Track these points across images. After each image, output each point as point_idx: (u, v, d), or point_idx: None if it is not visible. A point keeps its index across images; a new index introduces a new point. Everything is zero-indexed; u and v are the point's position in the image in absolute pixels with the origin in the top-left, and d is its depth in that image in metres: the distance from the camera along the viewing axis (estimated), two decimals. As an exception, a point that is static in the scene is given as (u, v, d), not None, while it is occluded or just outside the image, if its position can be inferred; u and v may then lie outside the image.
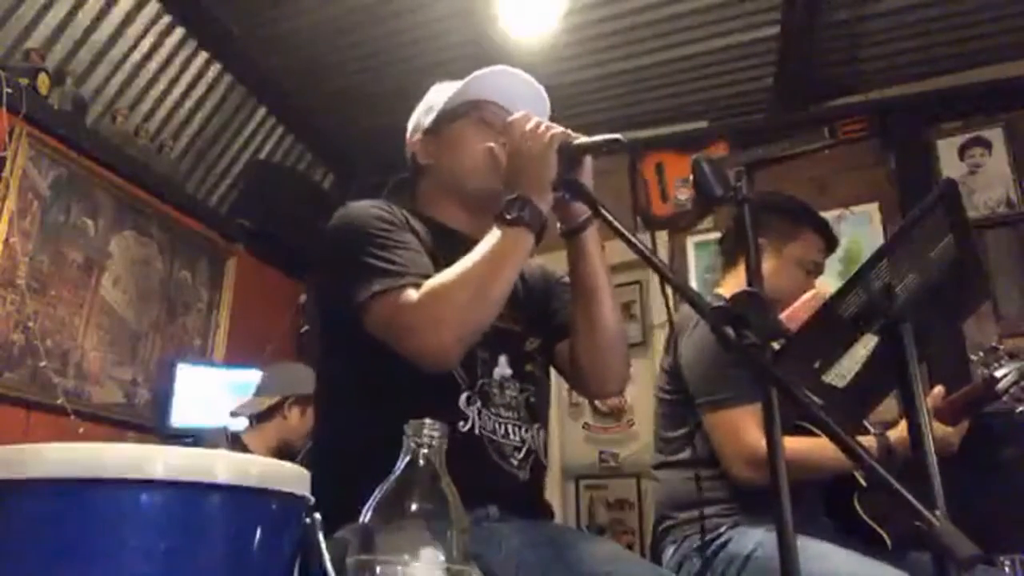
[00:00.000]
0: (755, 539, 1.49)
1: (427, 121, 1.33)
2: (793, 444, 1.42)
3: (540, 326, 1.31)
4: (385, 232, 1.15)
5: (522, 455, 1.19)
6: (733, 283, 1.83)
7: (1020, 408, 1.52)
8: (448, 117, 1.30)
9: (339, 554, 0.65)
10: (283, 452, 2.49)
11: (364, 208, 1.20)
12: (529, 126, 1.15)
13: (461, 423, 1.12)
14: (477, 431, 1.14)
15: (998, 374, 1.49)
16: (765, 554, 1.44)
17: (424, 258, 1.15)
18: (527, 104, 1.27)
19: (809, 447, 1.44)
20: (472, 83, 1.28)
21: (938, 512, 0.63)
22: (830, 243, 1.86)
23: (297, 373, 2.63)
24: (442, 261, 1.13)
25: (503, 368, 1.21)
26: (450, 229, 1.28)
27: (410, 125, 1.38)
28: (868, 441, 1.55)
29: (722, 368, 1.59)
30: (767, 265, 1.76)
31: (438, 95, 1.33)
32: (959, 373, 2.47)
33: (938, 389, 1.63)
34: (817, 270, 1.84)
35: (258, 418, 2.55)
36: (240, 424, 2.57)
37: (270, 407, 2.55)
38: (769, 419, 0.86)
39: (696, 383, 1.64)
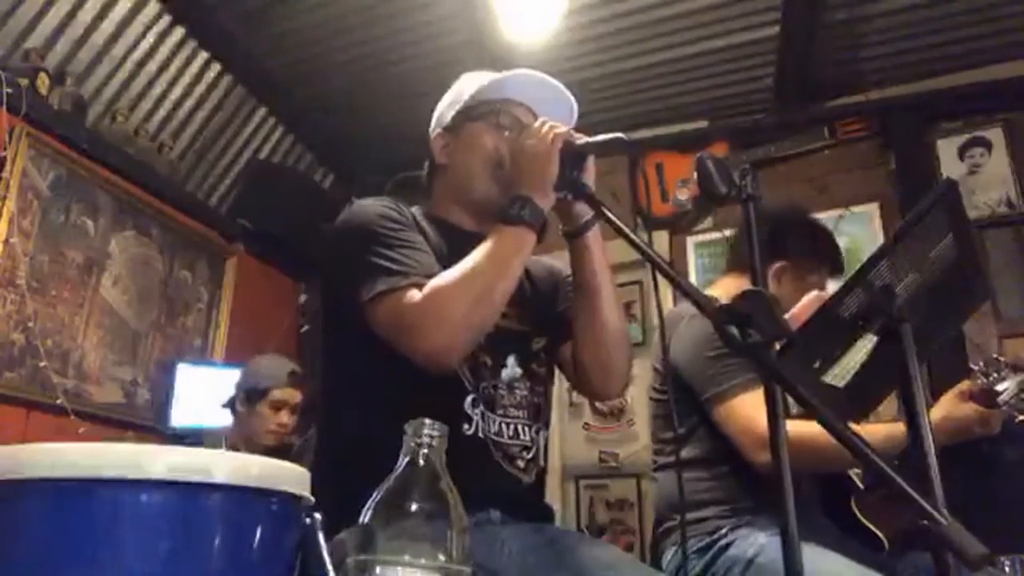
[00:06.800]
0: (757, 543, 1.48)
1: (448, 116, 1.31)
2: (812, 429, 1.40)
3: (546, 325, 1.31)
4: (391, 231, 1.15)
5: (530, 456, 1.19)
6: (732, 286, 1.82)
7: (1020, 418, 1.51)
8: (467, 116, 1.29)
9: (339, 555, 0.65)
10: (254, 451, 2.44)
11: (372, 206, 1.20)
12: (534, 126, 1.15)
13: (465, 426, 1.12)
14: (481, 434, 1.14)
15: (999, 388, 1.49)
16: (767, 559, 1.44)
17: (430, 258, 1.15)
18: (553, 109, 1.26)
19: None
20: (500, 83, 1.26)
21: (945, 511, 0.63)
22: (839, 270, 1.87)
23: (245, 368, 2.61)
24: (449, 261, 1.13)
25: (512, 369, 1.21)
26: (459, 229, 1.27)
27: (434, 115, 1.36)
28: (901, 428, 1.52)
29: (718, 360, 1.59)
30: (788, 291, 1.76)
31: (464, 86, 1.31)
32: (959, 373, 2.46)
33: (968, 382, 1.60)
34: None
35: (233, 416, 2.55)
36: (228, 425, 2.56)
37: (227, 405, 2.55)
38: (773, 416, 0.85)
39: (696, 379, 1.63)
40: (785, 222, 1.82)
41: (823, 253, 1.84)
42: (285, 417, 2.44)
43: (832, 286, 1.88)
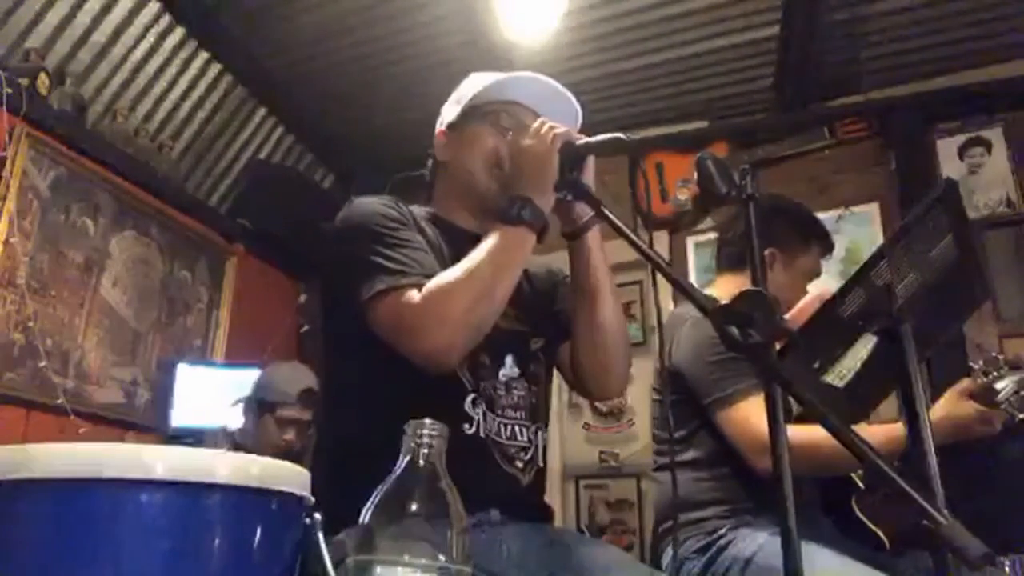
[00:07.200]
0: (756, 543, 1.48)
1: (452, 115, 1.32)
2: (813, 434, 1.40)
3: (545, 326, 1.31)
4: (391, 230, 1.15)
5: (528, 457, 1.19)
6: (731, 285, 1.82)
7: (1020, 416, 1.51)
8: (470, 115, 1.29)
9: (339, 555, 0.65)
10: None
11: (371, 204, 1.20)
12: (533, 126, 1.15)
13: (466, 425, 1.12)
14: (482, 433, 1.14)
15: (997, 386, 1.49)
16: (766, 558, 1.44)
17: (430, 257, 1.15)
18: (557, 112, 1.25)
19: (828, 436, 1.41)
20: (503, 84, 1.26)
21: (945, 511, 0.63)
22: (829, 250, 1.89)
23: (263, 373, 2.60)
24: (449, 261, 1.13)
25: (510, 368, 1.21)
26: (460, 229, 1.27)
27: (441, 113, 1.36)
28: (901, 429, 1.52)
29: (721, 364, 1.59)
30: (780, 277, 1.77)
31: (469, 87, 1.31)
32: (959, 373, 2.46)
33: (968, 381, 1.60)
34: (817, 277, 1.86)
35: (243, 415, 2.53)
36: (237, 424, 2.55)
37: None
38: (773, 417, 0.85)
39: (699, 384, 1.63)
40: (765, 211, 1.82)
41: (807, 233, 1.85)
42: (290, 435, 2.40)
43: (836, 271, 1.89)
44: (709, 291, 1.86)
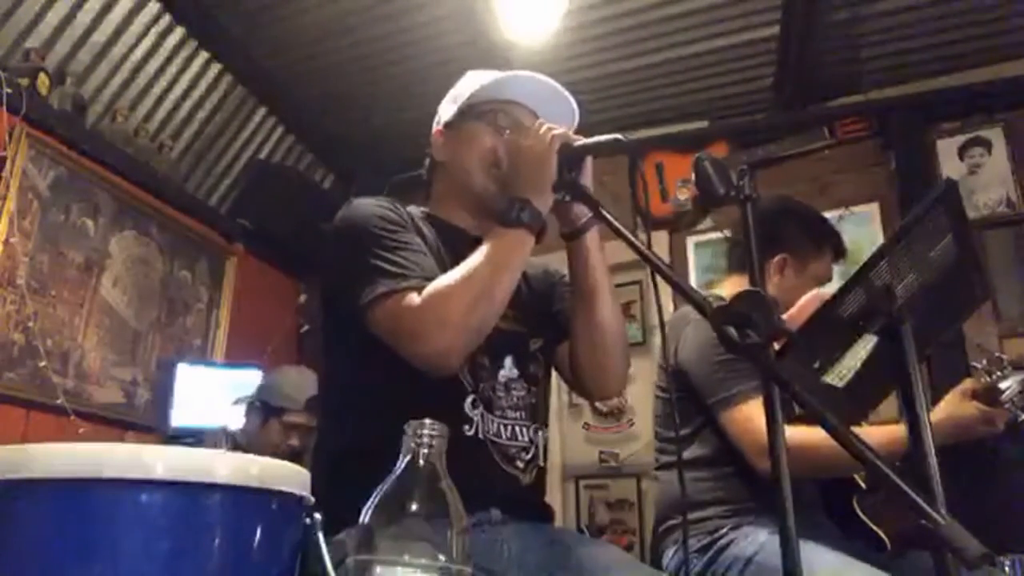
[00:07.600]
0: (758, 542, 1.48)
1: (449, 114, 1.31)
2: (813, 434, 1.39)
3: (543, 326, 1.31)
4: (389, 232, 1.15)
5: (529, 457, 1.19)
6: (739, 287, 1.81)
7: (1022, 417, 1.51)
8: (467, 114, 1.28)
9: (339, 555, 0.65)
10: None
11: (369, 206, 1.19)
12: (532, 127, 1.16)
13: (466, 427, 1.12)
14: (481, 435, 1.14)
15: (1002, 386, 1.49)
16: (767, 557, 1.44)
17: (429, 259, 1.15)
18: (554, 112, 1.25)
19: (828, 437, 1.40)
20: (501, 83, 1.26)
21: (943, 511, 0.63)
22: (842, 254, 1.87)
23: (270, 376, 2.60)
24: (448, 262, 1.13)
25: (509, 369, 1.21)
26: (458, 229, 1.27)
27: (438, 114, 1.36)
28: (903, 430, 1.51)
29: (725, 364, 1.58)
30: (792, 283, 1.76)
31: (466, 86, 1.30)
32: (959, 373, 2.46)
33: (971, 380, 1.59)
34: (828, 282, 1.85)
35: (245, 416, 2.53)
36: (238, 424, 2.55)
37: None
38: (771, 418, 0.85)
39: (702, 384, 1.63)
40: (777, 214, 1.81)
41: (820, 238, 1.83)
42: (295, 440, 2.40)
43: (836, 272, 1.88)
44: (716, 291, 1.87)
